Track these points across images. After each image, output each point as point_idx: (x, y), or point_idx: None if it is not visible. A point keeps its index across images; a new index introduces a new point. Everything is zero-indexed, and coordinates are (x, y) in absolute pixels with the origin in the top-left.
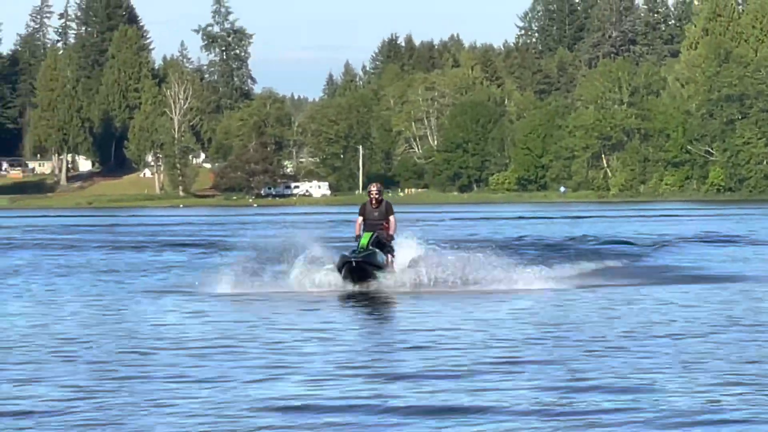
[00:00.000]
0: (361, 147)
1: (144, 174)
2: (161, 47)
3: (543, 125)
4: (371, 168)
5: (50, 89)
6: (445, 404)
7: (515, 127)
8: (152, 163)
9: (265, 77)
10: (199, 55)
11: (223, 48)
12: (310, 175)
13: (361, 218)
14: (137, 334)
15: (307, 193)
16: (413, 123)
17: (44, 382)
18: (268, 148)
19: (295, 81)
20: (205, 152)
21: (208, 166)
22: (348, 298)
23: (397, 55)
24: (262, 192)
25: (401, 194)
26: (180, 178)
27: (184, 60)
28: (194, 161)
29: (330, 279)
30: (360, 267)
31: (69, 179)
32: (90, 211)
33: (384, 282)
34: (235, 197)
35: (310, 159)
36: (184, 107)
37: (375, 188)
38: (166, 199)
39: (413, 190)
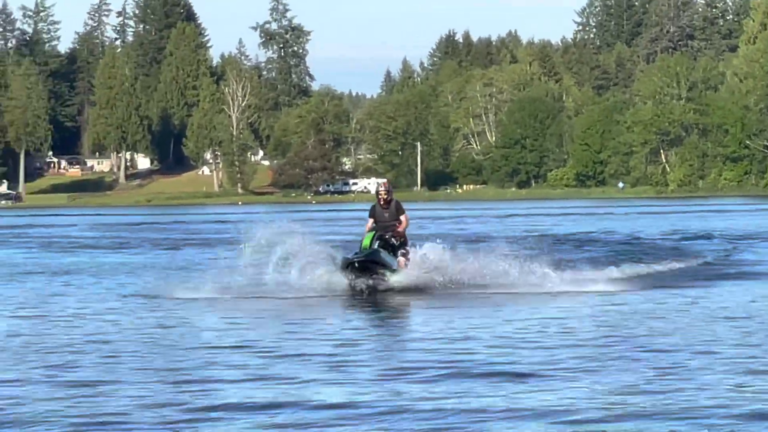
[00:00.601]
0: (419, 143)
1: (202, 171)
2: (219, 45)
3: (601, 121)
4: (429, 164)
5: (109, 87)
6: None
7: (573, 123)
8: (211, 161)
9: (322, 74)
10: (257, 53)
11: (281, 45)
12: (369, 172)
13: (371, 220)
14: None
15: (365, 190)
16: (471, 119)
17: (113, 384)
18: (327, 145)
19: (353, 78)
20: (264, 149)
21: (266, 163)
22: (353, 301)
23: (455, 52)
24: (320, 189)
25: (459, 190)
26: (238, 175)
27: (242, 57)
28: (252, 158)
29: (333, 281)
30: (363, 267)
31: (128, 177)
32: (149, 209)
33: (392, 281)
34: (293, 194)
35: (369, 156)
36: (243, 104)
37: (383, 187)
38: (225, 197)
39: (471, 186)
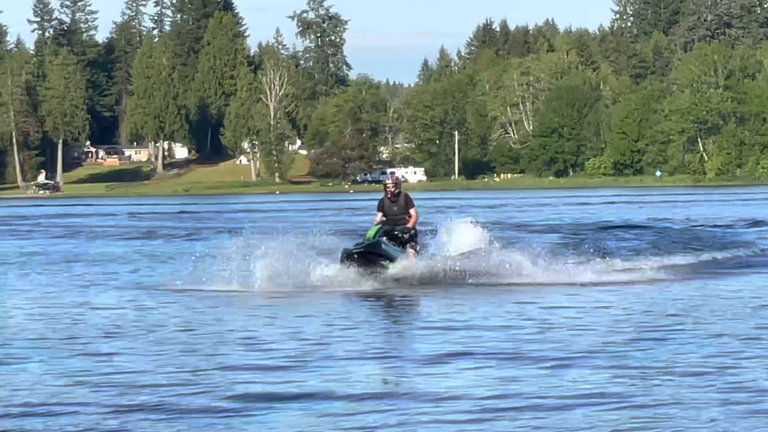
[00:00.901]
0: (456, 132)
1: (240, 161)
2: (256, 34)
3: (638, 109)
4: (467, 153)
5: (146, 77)
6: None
7: (611, 112)
8: (248, 150)
9: (360, 63)
10: (294, 42)
11: (319, 34)
12: (406, 161)
13: (380, 214)
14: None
15: (403, 179)
16: (508, 108)
17: (158, 372)
18: (364, 134)
19: (391, 66)
20: (301, 139)
21: (303, 152)
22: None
23: (492, 40)
24: (357, 178)
25: (497, 179)
26: (276, 164)
27: (280, 47)
28: (290, 148)
29: (333, 274)
30: (363, 258)
31: (165, 167)
32: (187, 198)
33: (393, 272)
34: (331, 183)
35: (406, 145)
36: (280, 94)
37: (391, 180)
38: (263, 186)
39: (509, 175)
